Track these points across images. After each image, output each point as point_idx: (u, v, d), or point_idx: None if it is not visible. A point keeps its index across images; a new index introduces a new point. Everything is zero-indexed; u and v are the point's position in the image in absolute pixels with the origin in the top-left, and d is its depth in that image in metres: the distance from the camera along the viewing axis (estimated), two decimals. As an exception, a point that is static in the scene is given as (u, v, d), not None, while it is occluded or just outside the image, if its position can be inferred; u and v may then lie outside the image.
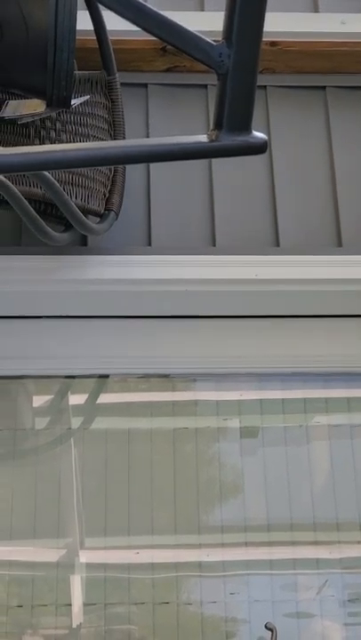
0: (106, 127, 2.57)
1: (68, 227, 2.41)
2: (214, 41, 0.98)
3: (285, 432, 2.64)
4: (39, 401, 2.73)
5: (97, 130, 2.54)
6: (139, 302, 2.56)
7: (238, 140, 1.00)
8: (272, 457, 2.60)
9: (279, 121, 2.82)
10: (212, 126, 1.00)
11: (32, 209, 2.13)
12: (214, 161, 2.67)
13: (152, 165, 2.70)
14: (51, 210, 2.40)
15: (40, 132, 2.46)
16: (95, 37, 2.57)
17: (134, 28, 0.96)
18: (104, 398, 2.76)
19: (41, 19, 2.10)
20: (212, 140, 1.00)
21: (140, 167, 2.70)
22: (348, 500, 2.52)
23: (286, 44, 2.81)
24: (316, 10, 2.99)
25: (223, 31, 0.97)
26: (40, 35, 2.10)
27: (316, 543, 2.51)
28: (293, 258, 2.58)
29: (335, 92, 2.88)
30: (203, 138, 1.01)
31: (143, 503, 2.50)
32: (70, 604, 2.39)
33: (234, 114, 0.98)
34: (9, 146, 2.41)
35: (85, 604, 2.40)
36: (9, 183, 2.01)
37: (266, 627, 2.33)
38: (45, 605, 2.38)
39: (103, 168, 2.48)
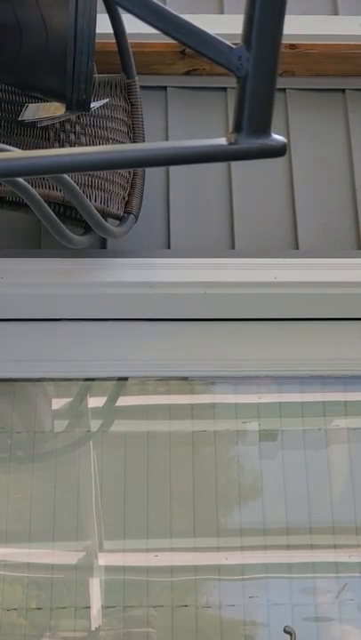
0: (125, 130, 2.57)
1: (87, 229, 2.41)
2: (234, 44, 0.98)
3: (304, 435, 2.64)
4: (58, 403, 2.74)
5: (116, 133, 2.55)
6: (158, 305, 2.56)
7: (258, 142, 1.00)
8: (291, 460, 2.59)
9: (299, 123, 2.82)
10: (231, 129, 1.00)
11: (51, 212, 2.14)
12: (233, 164, 2.67)
13: (171, 168, 2.70)
14: (70, 212, 2.40)
15: (60, 135, 2.47)
16: (115, 40, 2.58)
17: (154, 31, 0.96)
18: (123, 401, 2.76)
19: (60, 22, 2.10)
20: (231, 143, 1.00)
21: (160, 170, 2.70)
22: (368, 504, 2.52)
23: (306, 47, 2.81)
24: (335, 12, 2.98)
25: (242, 34, 0.97)
26: (60, 38, 2.11)
27: (335, 547, 2.51)
28: (313, 261, 2.57)
29: (355, 95, 2.87)
30: (222, 141, 1.01)
31: (162, 506, 2.50)
32: (89, 607, 2.39)
33: (253, 117, 0.98)
34: (29, 149, 2.42)
35: (104, 607, 2.40)
36: (28, 186, 2.01)
37: (285, 630, 2.33)
38: (64, 608, 2.38)
39: (123, 171, 2.49)
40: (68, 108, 2.21)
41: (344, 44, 2.83)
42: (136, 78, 2.61)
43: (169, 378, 2.67)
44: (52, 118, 2.37)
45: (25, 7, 2.20)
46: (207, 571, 2.47)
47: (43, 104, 2.43)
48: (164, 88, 2.85)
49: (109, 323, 2.61)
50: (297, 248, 2.64)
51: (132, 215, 2.50)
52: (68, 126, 2.48)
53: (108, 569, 2.49)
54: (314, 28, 2.86)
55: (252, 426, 2.64)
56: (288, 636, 2.32)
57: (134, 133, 2.59)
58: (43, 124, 2.42)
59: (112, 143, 2.52)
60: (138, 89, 2.61)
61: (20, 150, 2.16)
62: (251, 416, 2.66)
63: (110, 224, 2.40)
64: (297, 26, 2.80)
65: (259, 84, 0.97)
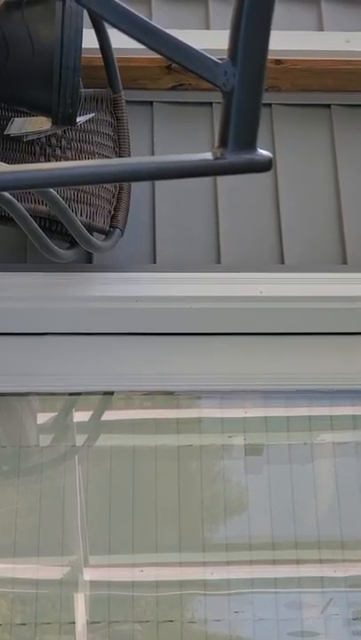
0: (111, 145, 2.58)
1: (72, 244, 2.41)
2: (219, 59, 0.98)
3: (290, 450, 2.63)
4: (43, 418, 2.73)
5: (102, 147, 2.55)
6: (143, 319, 2.56)
7: (243, 157, 1.00)
8: (277, 474, 2.59)
9: (284, 139, 2.83)
10: (217, 144, 1.00)
11: (37, 226, 2.14)
12: (219, 178, 2.68)
13: (157, 183, 2.70)
14: (56, 227, 2.40)
15: (45, 150, 2.47)
16: (101, 55, 2.58)
17: (140, 46, 0.96)
18: (108, 415, 2.76)
19: (47, 36, 2.11)
20: (217, 158, 1.00)
21: (146, 184, 2.71)
22: (353, 518, 2.51)
23: (291, 63, 2.82)
24: (320, 28, 3.00)
25: (228, 49, 0.97)
26: (46, 52, 2.11)
27: (320, 561, 2.50)
28: (298, 275, 2.58)
29: (340, 110, 2.89)
30: (208, 155, 1.01)
31: (147, 521, 2.49)
32: (74, 622, 2.38)
33: (239, 131, 0.98)
34: (14, 163, 2.42)
35: (89, 622, 2.39)
36: (14, 200, 2.01)
37: (270, 645, 2.32)
38: (49, 623, 2.37)
39: (109, 185, 2.49)
40: (54, 123, 2.21)
41: (330, 60, 2.84)
42: (122, 93, 2.62)
43: (155, 392, 2.66)
44: (38, 133, 2.37)
45: (11, 21, 2.20)
46: (193, 586, 2.46)
47: (29, 118, 2.44)
48: (150, 103, 2.86)
49: (95, 337, 2.61)
50: (283, 263, 2.65)
51: (117, 229, 2.50)
52: (53, 141, 2.48)
53: (94, 584, 2.48)
54: (299, 43, 2.87)
55: (237, 440, 2.64)
56: (274, 652, 2.31)
57: (120, 148, 2.59)
58: (29, 139, 2.42)
59: (98, 158, 2.52)
60: (124, 103, 2.62)
61: (5, 164, 2.16)
62: (237, 430, 2.66)
63: (96, 238, 2.40)
64: (283, 41, 2.81)
65: (244, 99, 0.97)
